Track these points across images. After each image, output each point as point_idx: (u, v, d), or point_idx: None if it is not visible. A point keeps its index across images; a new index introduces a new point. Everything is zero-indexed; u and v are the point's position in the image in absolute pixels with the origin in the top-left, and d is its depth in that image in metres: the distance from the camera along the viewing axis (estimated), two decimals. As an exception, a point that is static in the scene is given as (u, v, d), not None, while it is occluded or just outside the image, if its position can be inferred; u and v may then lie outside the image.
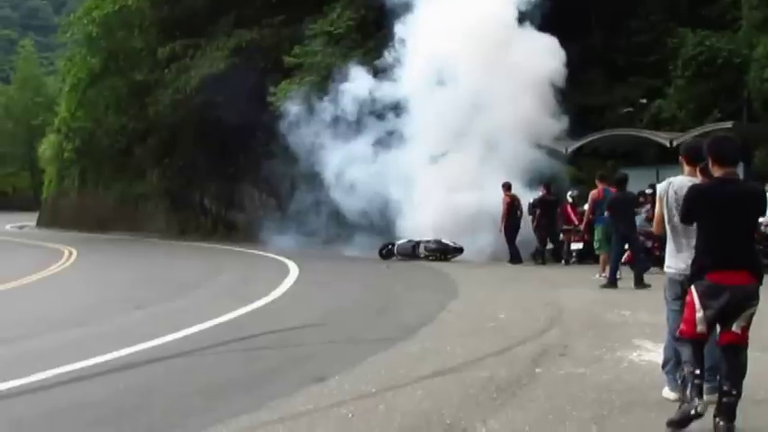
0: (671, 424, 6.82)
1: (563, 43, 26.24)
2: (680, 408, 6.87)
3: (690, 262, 7.16)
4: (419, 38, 26.40)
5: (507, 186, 24.16)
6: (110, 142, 47.13)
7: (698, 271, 6.90)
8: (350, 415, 7.32)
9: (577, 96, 27.91)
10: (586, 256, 23.24)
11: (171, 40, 38.01)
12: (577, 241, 23.98)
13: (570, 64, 26.65)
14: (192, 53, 36.41)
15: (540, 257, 24.05)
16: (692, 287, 6.93)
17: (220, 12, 36.83)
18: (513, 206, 24.17)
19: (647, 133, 25.80)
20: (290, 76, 31.34)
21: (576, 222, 23.81)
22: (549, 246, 24.81)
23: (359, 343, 11.20)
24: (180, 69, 36.55)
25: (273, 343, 11.25)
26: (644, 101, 28.54)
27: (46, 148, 61.35)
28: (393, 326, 12.65)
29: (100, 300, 17.02)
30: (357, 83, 27.28)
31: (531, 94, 25.59)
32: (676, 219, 7.56)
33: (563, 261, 24.09)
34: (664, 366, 7.95)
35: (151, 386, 8.74)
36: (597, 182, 19.64)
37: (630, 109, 28.72)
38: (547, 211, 24.13)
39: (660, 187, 7.88)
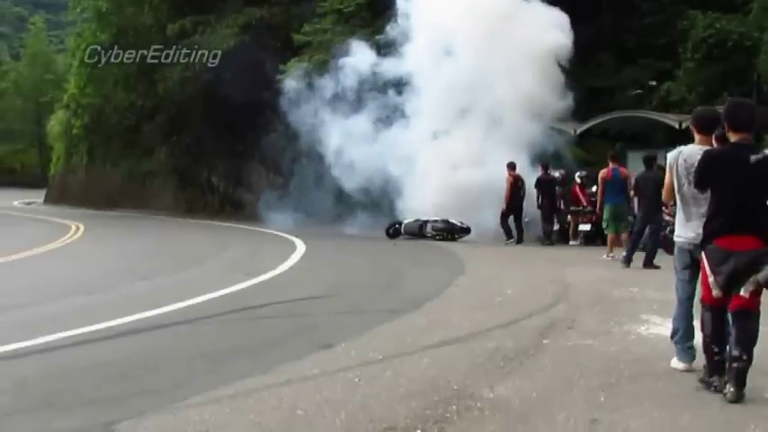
0: (701, 381, 6.98)
1: (573, 24, 26.12)
2: (704, 374, 6.93)
3: (699, 231, 7.13)
4: (422, 12, 26.28)
5: (512, 166, 24.13)
6: (118, 119, 47.10)
7: (707, 236, 6.89)
8: (356, 379, 7.28)
9: (587, 78, 27.83)
10: (594, 238, 23.23)
11: (181, 16, 37.94)
12: (585, 222, 23.98)
13: (580, 45, 26.56)
14: (201, 30, 36.34)
15: (547, 238, 24.03)
16: (703, 252, 6.93)
17: (231, -11, 36.79)
18: (515, 186, 24.15)
19: (656, 115, 25.73)
20: (300, 55, 31.28)
21: (585, 203, 23.80)
22: (557, 226, 24.81)
23: (365, 314, 11.20)
24: (189, 46, 36.46)
25: (280, 313, 11.23)
26: (653, 83, 28.43)
27: (54, 124, 61.37)
28: (399, 299, 12.63)
29: (106, 271, 17.00)
30: (361, 59, 27.20)
31: (535, 69, 25.47)
32: (686, 187, 7.52)
33: (569, 242, 24.12)
34: (672, 337, 7.90)
35: (156, 350, 8.72)
36: (609, 161, 19.55)
37: (640, 91, 28.64)
38: (545, 190, 24.12)
39: (670, 156, 7.82)
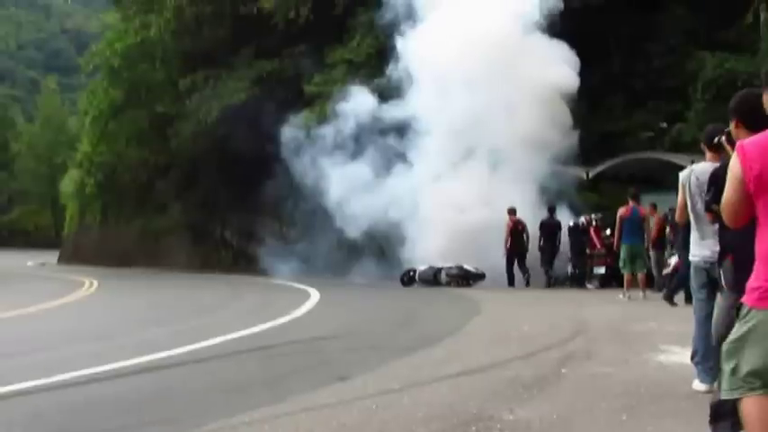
0: None
1: (582, 69, 26.20)
2: None
3: (715, 248, 7.05)
4: (423, 52, 26.30)
5: (512, 211, 24.26)
6: (131, 176, 47.20)
7: (720, 255, 6.81)
8: (374, 406, 7.21)
9: (597, 122, 27.89)
10: (609, 280, 23.09)
11: (192, 71, 38.14)
12: (600, 265, 23.86)
13: (589, 89, 26.65)
14: (213, 84, 36.51)
15: (550, 281, 24.18)
16: (721, 271, 6.85)
17: (241, 43, 36.94)
18: (516, 231, 24.26)
19: (668, 156, 25.67)
20: (311, 106, 31.38)
21: (599, 246, 23.72)
22: (574, 270, 24.71)
23: (382, 349, 11.08)
24: (201, 100, 36.62)
25: (296, 350, 11.16)
26: (664, 125, 28.43)
27: (67, 183, 61.54)
28: (416, 336, 12.55)
29: (121, 319, 16.97)
30: (363, 105, 27.36)
31: (541, 105, 25.46)
32: (699, 206, 7.47)
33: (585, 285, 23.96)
34: (693, 357, 7.82)
35: (171, 384, 8.68)
36: (629, 200, 19.48)
37: (651, 134, 28.63)
38: (547, 234, 24.19)
39: (682, 175, 7.81)
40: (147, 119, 42.47)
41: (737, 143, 3.93)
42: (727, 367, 3.72)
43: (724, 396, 3.78)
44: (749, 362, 3.61)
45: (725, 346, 3.76)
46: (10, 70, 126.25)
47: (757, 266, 3.70)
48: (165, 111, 40.23)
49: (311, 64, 32.75)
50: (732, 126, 4.86)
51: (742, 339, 3.66)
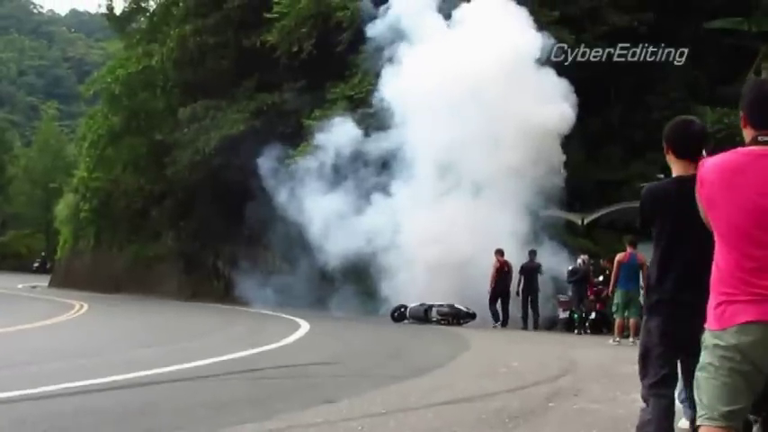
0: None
1: (582, 117, 26.26)
2: None
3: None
4: (409, 84, 26.30)
5: (500, 252, 24.27)
6: (127, 203, 47.19)
7: None
8: (359, 428, 7.18)
9: (595, 171, 27.95)
10: (599, 326, 23.03)
11: (192, 101, 38.22)
12: (590, 310, 23.81)
13: (588, 138, 26.71)
14: (212, 114, 36.57)
15: (526, 324, 24.18)
16: None
17: (243, 75, 37.07)
18: (502, 271, 24.31)
19: (664, 205, 25.67)
20: (309, 140, 31.40)
21: (589, 293, 23.70)
22: (564, 315, 24.63)
23: (370, 377, 11.09)
24: (200, 130, 36.66)
25: (284, 374, 11.16)
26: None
27: (62, 208, 61.43)
28: (405, 367, 12.53)
29: (110, 339, 16.96)
30: (353, 137, 27.59)
31: (528, 142, 25.45)
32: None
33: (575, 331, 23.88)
34: (680, 395, 7.79)
35: (156, 399, 8.66)
36: (628, 246, 19.51)
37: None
38: (527, 278, 24.24)
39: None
40: (144, 146, 42.52)
41: (699, 164, 4.02)
42: (696, 394, 3.77)
43: (697, 422, 3.81)
44: (708, 392, 3.66)
45: (696, 372, 3.80)
46: (10, 95, 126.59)
47: (712, 286, 3.73)
48: (163, 139, 40.30)
49: (311, 99, 32.86)
50: (665, 151, 5.06)
51: (702, 368, 3.70)
